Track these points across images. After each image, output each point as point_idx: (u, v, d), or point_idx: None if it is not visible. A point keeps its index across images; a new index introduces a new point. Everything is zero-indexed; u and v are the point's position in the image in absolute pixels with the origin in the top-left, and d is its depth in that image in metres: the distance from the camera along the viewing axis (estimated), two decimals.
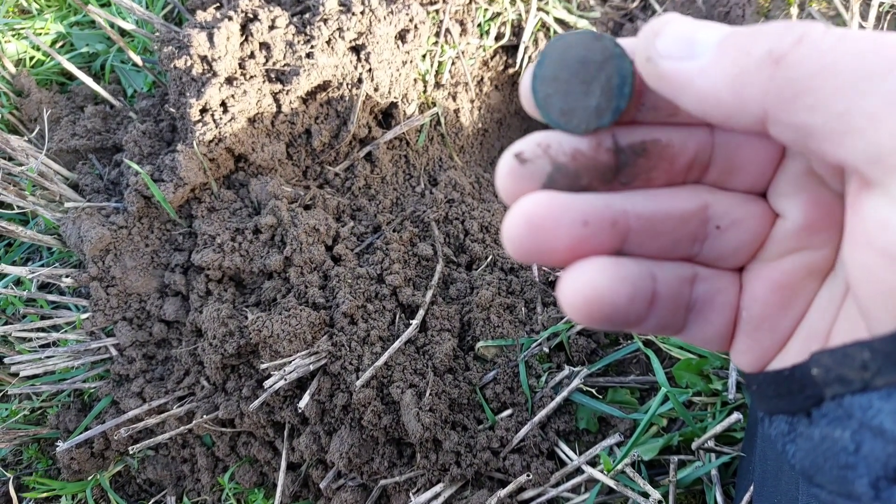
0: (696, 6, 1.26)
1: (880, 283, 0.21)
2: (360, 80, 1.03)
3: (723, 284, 0.29)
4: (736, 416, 0.69)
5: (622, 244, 0.26)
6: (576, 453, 0.81)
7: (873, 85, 0.19)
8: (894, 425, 0.20)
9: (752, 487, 0.66)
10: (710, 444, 0.73)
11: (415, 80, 1.12)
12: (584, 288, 0.24)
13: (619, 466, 0.74)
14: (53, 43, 1.29)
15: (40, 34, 1.28)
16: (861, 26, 1.01)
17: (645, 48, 0.24)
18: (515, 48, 1.22)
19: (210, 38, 0.95)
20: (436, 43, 1.13)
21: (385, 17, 1.02)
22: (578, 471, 0.79)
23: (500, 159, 0.26)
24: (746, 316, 0.29)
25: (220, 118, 0.96)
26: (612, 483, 0.73)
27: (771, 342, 0.29)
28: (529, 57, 1.23)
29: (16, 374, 0.97)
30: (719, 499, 0.72)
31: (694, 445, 0.74)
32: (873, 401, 0.21)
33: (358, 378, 0.83)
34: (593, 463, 0.78)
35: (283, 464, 0.89)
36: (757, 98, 0.21)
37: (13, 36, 1.27)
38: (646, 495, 0.71)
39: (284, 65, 0.99)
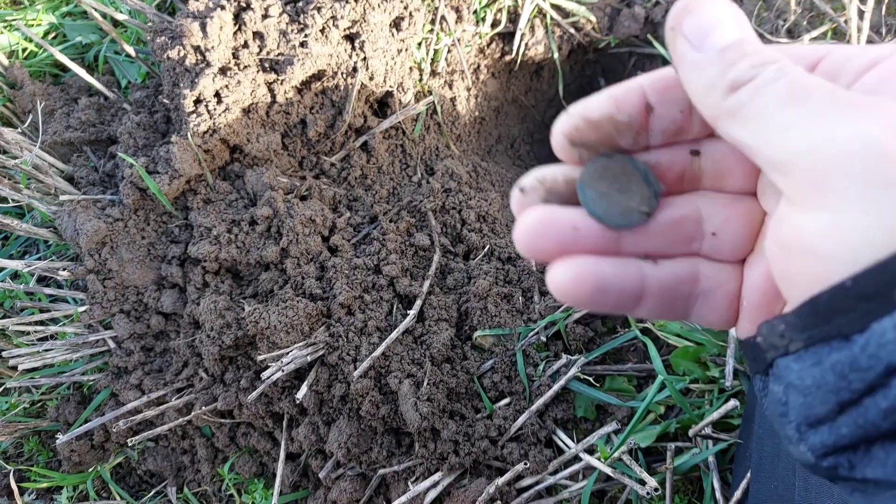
0: None
1: (779, 268, 0.28)
2: (354, 69, 1.02)
3: (725, 277, 0.32)
4: (733, 403, 0.69)
5: (617, 245, 0.31)
6: (573, 441, 0.81)
7: (794, 113, 0.25)
8: (801, 381, 0.26)
9: (749, 473, 0.67)
10: (708, 430, 0.73)
11: (410, 68, 1.11)
12: (556, 282, 0.30)
13: (617, 454, 0.74)
14: (46, 34, 1.28)
15: (32, 25, 1.26)
16: (860, 10, 1.00)
17: (675, 17, 0.28)
18: (512, 35, 1.21)
19: (203, 27, 0.95)
20: (431, 30, 1.12)
21: (379, 5, 1.01)
22: (576, 458, 0.79)
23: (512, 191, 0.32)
24: (747, 304, 0.32)
25: (215, 109, 0.96)
26: (609, 470, 0.74)
27: None
28: (526, 44, 1.22)
29: (15, 368, 0.98)
30: (716, 485, 0.72)
31: (691, 432, 0.74)
32: (790, 362, 0.26)
33: (356, 368, 0.83)
34: (591, 450, 0.78)
35: (283, 454, 0.89)
36: (710, 112, 0.28)
37: (5, 27, 1.26)
38: (643, 482, 0.71)
39: (278, 54, 0.98)
